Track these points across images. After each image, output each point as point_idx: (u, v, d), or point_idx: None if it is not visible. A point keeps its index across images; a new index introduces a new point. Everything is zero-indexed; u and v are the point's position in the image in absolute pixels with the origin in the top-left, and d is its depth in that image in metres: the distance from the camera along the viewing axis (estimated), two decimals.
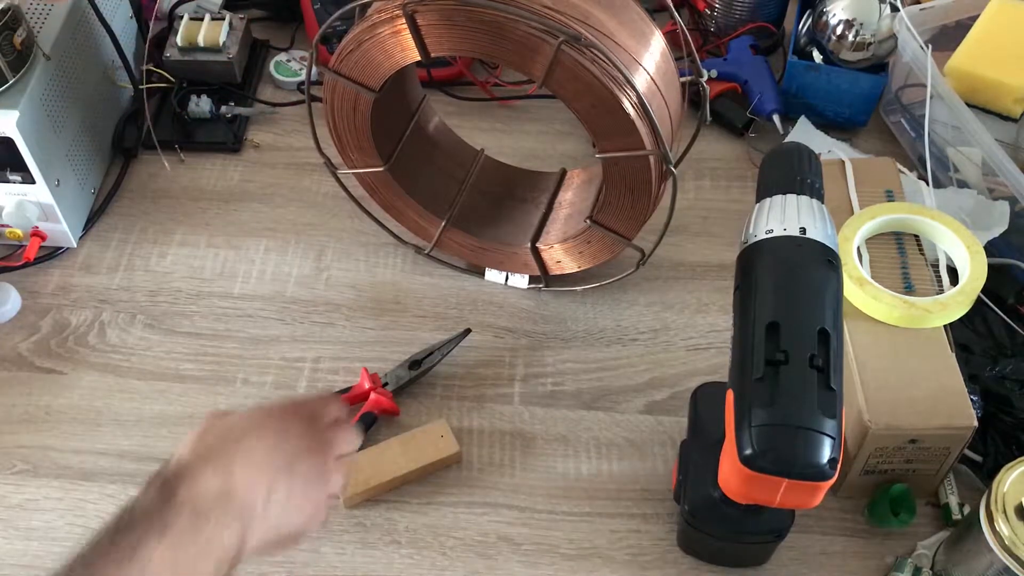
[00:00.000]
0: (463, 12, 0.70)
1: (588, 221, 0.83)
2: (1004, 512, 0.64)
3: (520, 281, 0.91)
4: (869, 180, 0.86)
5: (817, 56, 1.00)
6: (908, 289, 0.77)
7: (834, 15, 0.97)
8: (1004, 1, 0.97)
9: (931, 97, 0.91)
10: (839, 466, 0.56)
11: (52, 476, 0.79)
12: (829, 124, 1.02)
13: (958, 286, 0.76)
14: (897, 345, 0.74)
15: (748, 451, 0.56)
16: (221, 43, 1.04)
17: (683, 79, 0.82)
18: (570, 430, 0.82)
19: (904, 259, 0.80)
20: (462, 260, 0.93)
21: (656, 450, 0.81)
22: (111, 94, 1.01)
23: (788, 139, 1.00)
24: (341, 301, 0.91)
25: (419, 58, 0.74)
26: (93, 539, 0.53)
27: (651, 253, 0.86)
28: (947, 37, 0.97)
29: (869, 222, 0.80)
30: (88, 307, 0.91)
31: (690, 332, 0.88)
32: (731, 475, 0.60)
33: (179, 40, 1.04)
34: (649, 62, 0.76)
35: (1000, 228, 0.87)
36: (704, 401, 0.76)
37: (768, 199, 0.64)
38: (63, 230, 0.92)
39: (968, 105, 0.90)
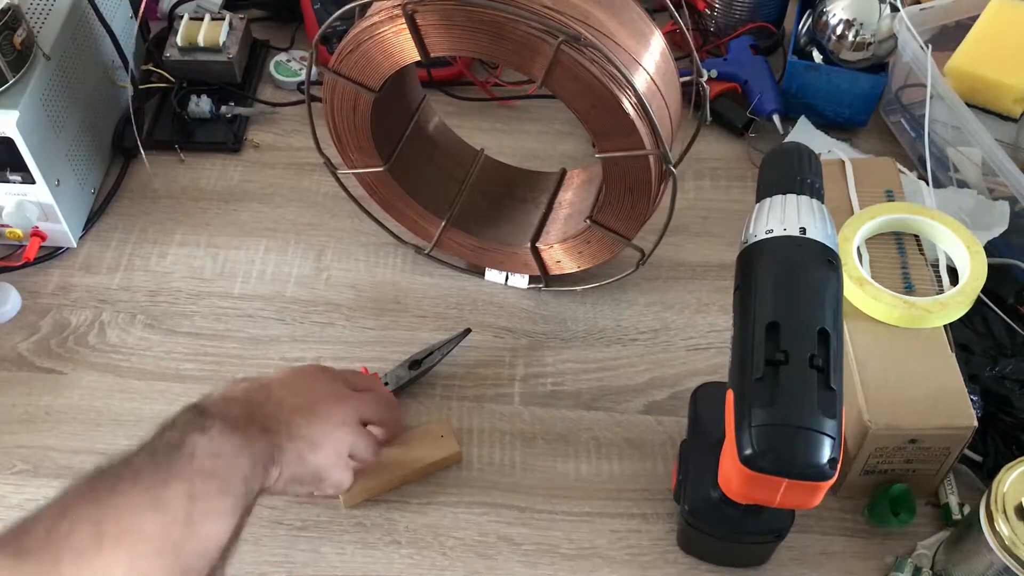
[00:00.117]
0: (463, 12, 0.70)
1: (588, 221, 0.83)
2: (1004, 512, 0.64)
3: (520, 281, 0.91)
4: (869, 180, 0.86)
5: (817, 56, 1.00)
6: (908, 289, 0.77)
7: (834, 15, 0.97)
8: (1004, 1, 0.97)
9: (931, 97, 0.91)
10: (839, 466, 0.56)
11: (52, 476, 0.79)
12: (829, 124, 1.02)
13: (958, 286, 0.76)
14: (897, 345, 0.74)
15: (748, 451, 0.56)
16: (221, 43, 1.04)
17: (683, 79, 0.82)
18: (570, 430, 0.82)
19: (904, 259, 0.80)
20: (462, 260, 0.93)
21: (656, 450, 0.81)
22: (111, 94, 1.01)
23: (788, 139, 1.00)
24: (341, 301, 0.91)
25: (419, 58, 0.74)
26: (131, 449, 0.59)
27: (651, 253, 0.86)
28: (947, 37, 0.97)
29: (869, 222, 0.80)
30: (88, 307, 0.91)
31: (690, 332, 0.88)
32: (731, 475, 0.60)
33: (179, 40, 1.04)
34: (649, 62, 0.76)
35: (1000, 228, 0.87)
36: (704, 401, 0.76)
37: (768, 199, 0.64)
38: (63, 230, 0.92)
39: (968, 105, 0.90)
